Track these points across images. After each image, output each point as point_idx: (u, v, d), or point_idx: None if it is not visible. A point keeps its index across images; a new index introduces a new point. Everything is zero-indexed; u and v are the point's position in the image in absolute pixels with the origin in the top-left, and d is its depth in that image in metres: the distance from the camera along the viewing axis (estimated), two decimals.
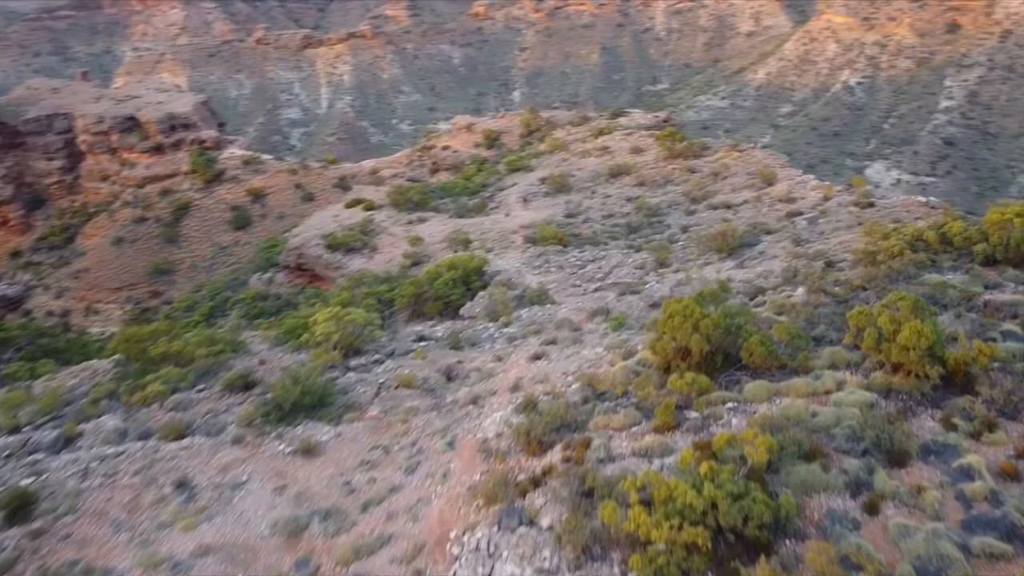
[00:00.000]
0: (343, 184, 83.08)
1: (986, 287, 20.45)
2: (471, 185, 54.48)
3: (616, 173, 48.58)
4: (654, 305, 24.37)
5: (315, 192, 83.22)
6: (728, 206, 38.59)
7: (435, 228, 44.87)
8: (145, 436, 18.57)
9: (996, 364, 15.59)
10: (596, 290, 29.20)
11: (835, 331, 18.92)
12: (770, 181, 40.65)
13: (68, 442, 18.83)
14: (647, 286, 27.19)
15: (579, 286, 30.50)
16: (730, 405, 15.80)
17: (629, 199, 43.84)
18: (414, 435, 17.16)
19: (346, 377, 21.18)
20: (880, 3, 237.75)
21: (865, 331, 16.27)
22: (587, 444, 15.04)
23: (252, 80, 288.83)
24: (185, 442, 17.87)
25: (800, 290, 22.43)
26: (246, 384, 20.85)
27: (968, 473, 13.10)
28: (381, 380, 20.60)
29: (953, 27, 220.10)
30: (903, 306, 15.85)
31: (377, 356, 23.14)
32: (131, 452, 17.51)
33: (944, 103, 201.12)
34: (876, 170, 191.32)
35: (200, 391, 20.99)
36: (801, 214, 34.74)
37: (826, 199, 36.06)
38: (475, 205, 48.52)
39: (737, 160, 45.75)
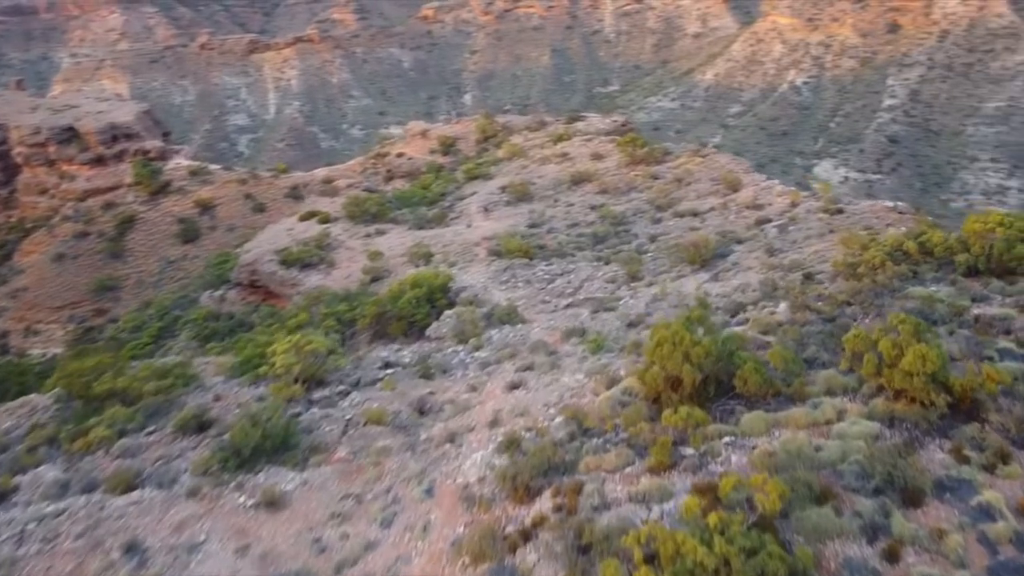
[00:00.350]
0: (295, 194, 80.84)
1: (973, 300, 19.95)
2: (429, 194, 53.07)
3: (578, 180, 47.68)
4: (631, 324, 23.41)
5: (266, 202, 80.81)
6: (695, 214, 37.93)
7: (394, 241, 43.40)
8: (89, 489, 16.88)
9: (999, 387, 14.96)
10: (567, 306, 28.14)
11: (826, 352, 18.17)
12: (735, 187, 40.14)
13: (2, 498, 17.06)
14: (621, 302, 26.22)
15: (549, 302, 29.42)
16: (727, 439, 14.84)
17: (593, 207, 42.95)
18: (388, 480, 15.83)
19: (309, 413, 19.72)
20: (823, 4, 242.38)
21: (864, 356, 15.51)
22: (579, 489, 13.94)
23: (197, 86, 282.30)
24: (135, 495, 16.24)
25: (782, 306, 21.67)
26: (200, 424, 19.25)
27: (988, 512, 12.29)
28: (348, 416, 19.20)
29: (894, 27, 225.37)
30: (904, 329, 15.09)
31: (342, 387, 21.71)
32: (73, 510, 15.82)
33: (887, 101, 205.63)
34: (824, 168, 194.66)
35: (150, 433, 19.32)
36: (770, 221, 34.20)
37: (793, 205, 35.62)
38: (435, 215, 47.16)
39: (700, 166, 45.22)
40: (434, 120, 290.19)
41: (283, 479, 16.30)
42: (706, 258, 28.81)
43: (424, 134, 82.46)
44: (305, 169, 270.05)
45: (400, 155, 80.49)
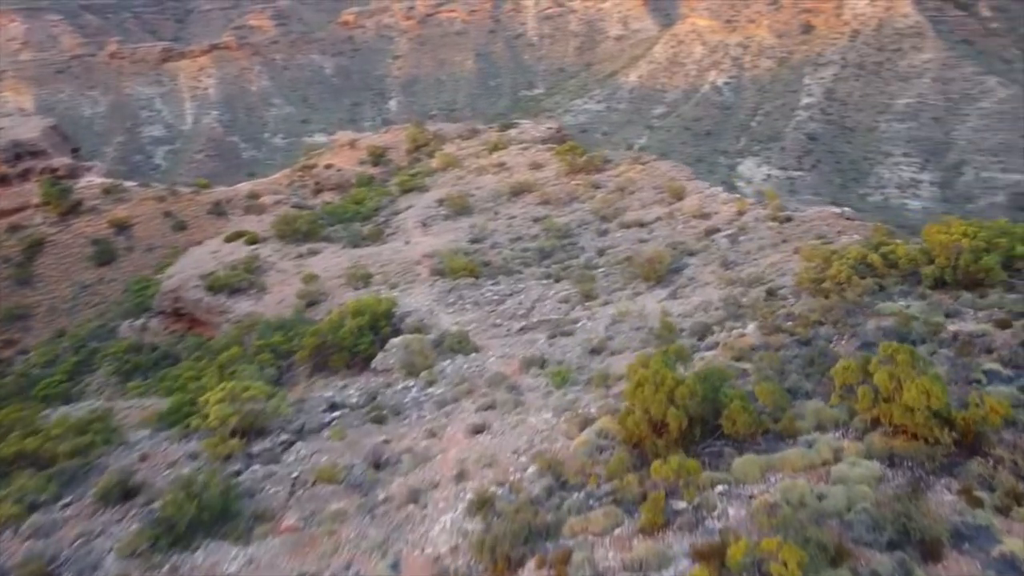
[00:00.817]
0: (218, 210, 77.09)
1: (947, 315, 19.36)
2: (363, 209, 50.88)
3: (518, 191, 46.35)
4: (594, 351, 22.11)
5: (187, 220, 76.83)
6: (641, 224, 37.03)
7: (329, 261, 41.21)
8: None
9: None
10: (521, 330, 26.70)
11: (808, 380, 17.21)
12: (679, 196, 39.43)
13: None
14: (579, 325, 24.93)
15: (501, 326, 27.94)
16: (721, 488, 13.61)
17: (536, 220, 41.68)
18: (346, 553, 14.05)
19: (251, 471, 17.71)
20: (740, 6, 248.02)
21: (857, 389, 14.54)
22: (566, 558, 12.46)
23: (107, 97, 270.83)
24: None
25: (751, 327, 20.70)
26: (125, 492, 17.04)
27: (1013, 564, 11.33)
28: (295, 473, 17.28)
29: (807, 28, 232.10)
30: (900, 359, 14.17)
31: (285, 436, 19.74)
32: None
33: (804, 100, 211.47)
34: (748, 167, 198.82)
35: (66, 506, 17.01)
36: (719, 231, 33.50)
37: (740, 213, 35.05)
38: (370, 232, 45.12)
39: (641, 174, 44.45)
40: (359, 127, 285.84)
41: (225, 557, 14.34)
42: (661, 274, 27.80)
43: (352, 144, 79.90)
44: (227, 180, 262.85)
45: (328, 167, 77.75)
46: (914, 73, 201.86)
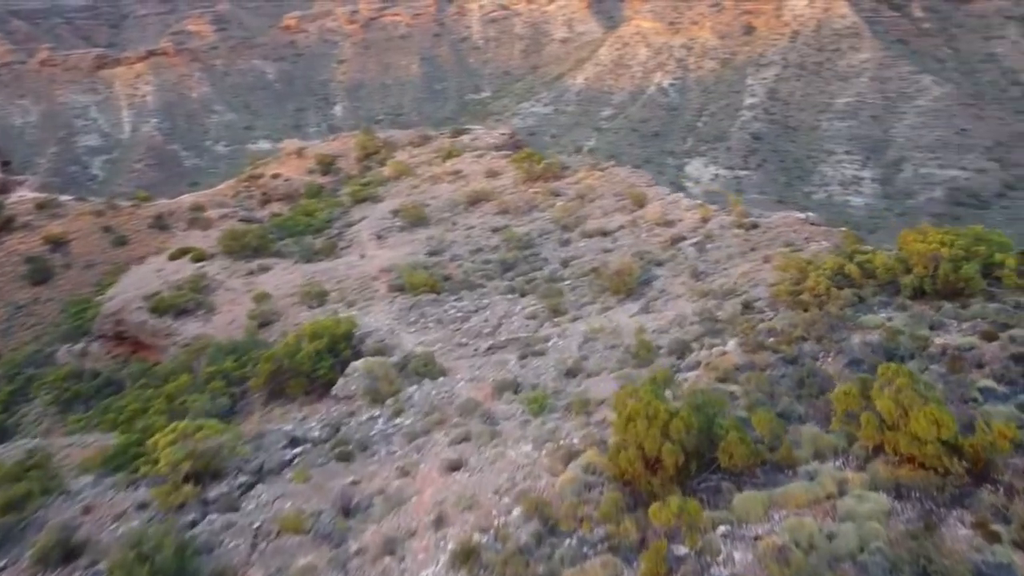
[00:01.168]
0: (161, 223, 74.16)
1: (931, 328, 18.92)
2: (314, 222, 49.12)
3: (475, 200, 45.22)
4: (569, 373, 21.12)
5: (128, 235, 73.70)
6: (604, 233, 36.25)
7: (281, 278, 39.52)
8: None
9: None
10: (490, 350, 25.61)
11: (799, 403, 16.53)
12: (641, 203, 38.77)
13: None
14: (550, 343, 23.93)
15: (467, 345, 26.80)
16: (723, 529, 12.70)
17: (495, 230, 40.61)
18: None
19: (207, 522, 16.24)
20: (683, 8, 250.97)
21: (859, 416, 13.84)
22: None
23: (39, 106, 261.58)
24: None
25: (731, 343, 19.97)
26: (67, 552, 15.45)
27: None
28: (256, 523, 15.88)
29: (749, 29, 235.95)
30: (901, 383, 13.49)
31: (243, 478, 18.29)
32: None
33: (748, 100, 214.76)
34: (695, 167, 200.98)
35: (1, 571, 15.36)
36: (685, 239, 32.89)
37: (705, 221, 34.50)
38: (323, 246, 43.50)
39: (601, 180, 43.74)
40: (304, 133, 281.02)
41: None
42: (631, 287, 26.98)
43: (300, 153, 77.78)
44: (169, 190, 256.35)
45: (275, 176, 75.52)
46: (852, 72, 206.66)
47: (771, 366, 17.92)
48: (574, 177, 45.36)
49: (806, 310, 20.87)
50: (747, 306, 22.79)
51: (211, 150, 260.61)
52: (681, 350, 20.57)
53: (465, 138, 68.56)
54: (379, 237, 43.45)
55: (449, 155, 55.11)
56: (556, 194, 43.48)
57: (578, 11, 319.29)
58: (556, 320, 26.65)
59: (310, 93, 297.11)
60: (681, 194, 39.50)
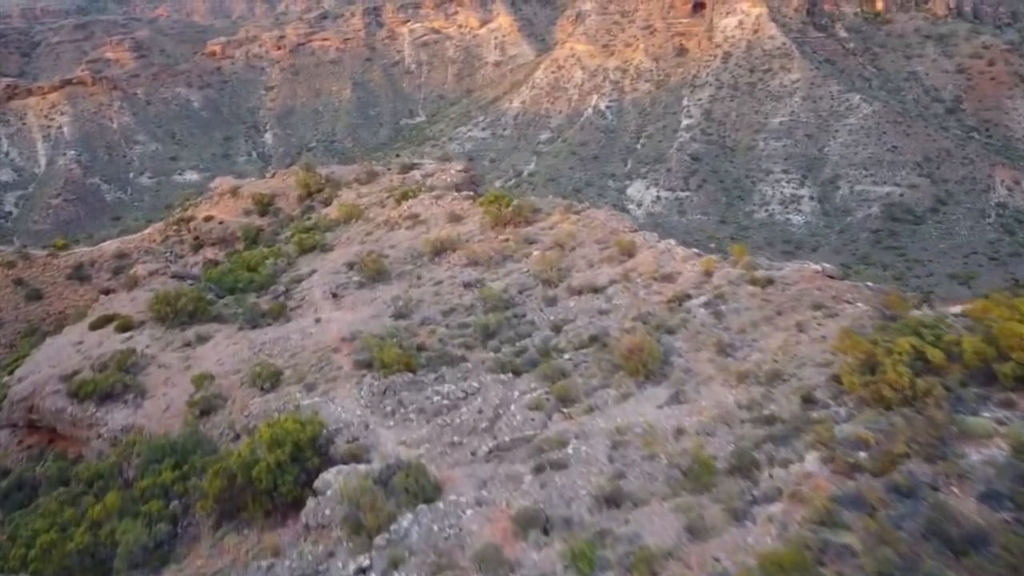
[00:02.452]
0: (81, 274, 67.45)
1: None
2: (257, 276, 43.82)
3: (439, 250, 40.81)
4: (609, 500, 16.93)
5: (43, 288, 66.80)
6: (595, 290, 32.29)
7: (224, 350, 34.36)
8: None
9: None
10: (492, 455, 21.26)
11: (941, 560, 12.80)
12: (630, 252, 35.01)
13: None
14: (569, 448, 19.71)
15: (461, 446, 22.39)
16: None
17: (467, 285, 36.27)
18: None
19: None
20: (616, 31, 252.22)
21: None
22: None
23: None
24: None
25: (810, 458, 16.13)
26: None
27: None
28: None
29: (681, 51, 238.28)
30: None
31: None
32: None
33: (685, 121, 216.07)
34: (636, 188, 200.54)
35: None
36: (691, 298, 29.17)
37: (708, 274, 30.88)
38: (271, 307, 38.36)
39: (578, 225, 39.89)
40: (233, 162, 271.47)
41: None
42: (652, 368, 23.03)
43: (234, 192, 71.97)
44: (90, 225, 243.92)
45: (208, 219, 69.57)
46: (785, 92, 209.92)
47: (882, 501, 14.14)
48: (547, 221, 41.40)
49: (889, 407, 17.30)
50: (807, 399, 19.03)
51: (135, 182, 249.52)
52: (746, 466, 16.61)
53: (416, 174, 64.06)
54: (334, 296, 38.62)
55: (404, 196, 50.55)
56: (530, 241, 39.42)
57: (510, 34, 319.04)
58: (566, 411, 22.46)
59: (238, 121, 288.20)
60: (672, 241, 35.86)
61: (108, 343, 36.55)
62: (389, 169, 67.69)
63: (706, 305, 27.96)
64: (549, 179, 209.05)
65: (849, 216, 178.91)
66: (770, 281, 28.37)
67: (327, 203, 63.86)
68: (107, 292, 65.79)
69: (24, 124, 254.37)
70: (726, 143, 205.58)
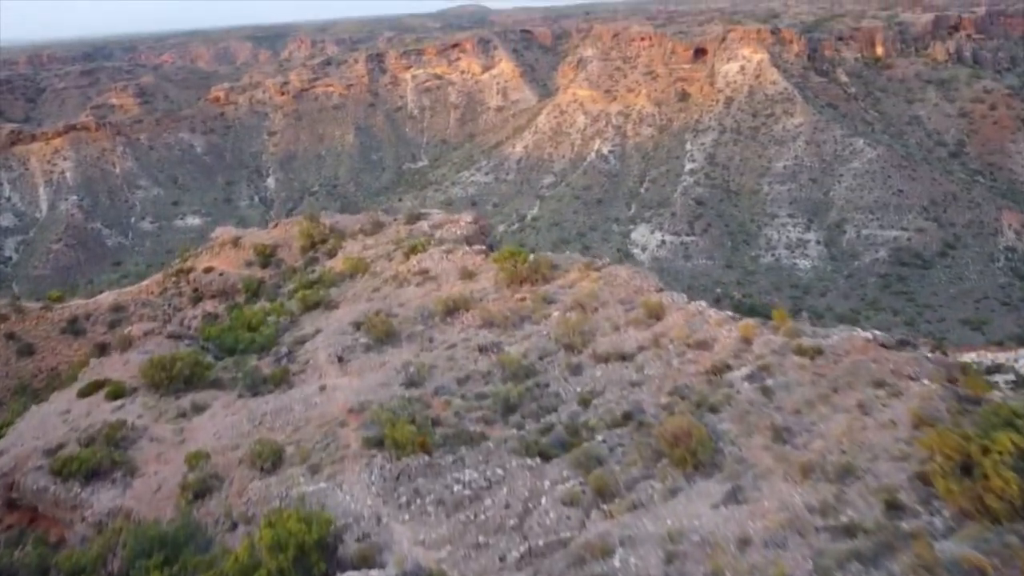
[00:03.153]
0: (75, 328, 65.12)
1: None
2: (258, 338, 41.45)
3: (451, 310, 38.49)
4: None
5: (35, 343, 64.40)
6: (623, 357, 29.86)
7: (222, 422, 31.80)
8: None
9: None
10: (524, 561, 18.63)
11: None
12: (657, 314, 32.67)
13: None
14: (615, 559, 17.11)
15: (486, 547, 19.76)
16: None
17: (483, 349, 33.86)
18: None
19: None
20: (617, 76, 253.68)
21: None
22: None
23: None
24: None
25: None
26: None
27: None
28: None
29: (684, 96, 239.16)
30: None
31: None
32: None
33: (688, 165, 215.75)
34: (641, 233, 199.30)
35: None
36: (730, 369, 26.74)
37: (747, 341, 28.50)
38: (272, 372, 35.90)
39: (599, 283, 37.63)
40: (235, 207, 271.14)
41: None
42: (702, 458, 20.51)
43: (235, 242, 69.96)
44: (90, 270, 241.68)
45: (208, 270, 67.47)
46: (788, 136, 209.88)
47: None
48: (566, 279, 39.16)
49: (996, 520, 14.84)
50: (892, 504, 16.49)
51: (136, 227, 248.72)
52: None
53: (424, 224, 62.13)
54: (340, 359, 36.18)
55: (413, 250, 48.41)
56: (549, 301, 37.13)
57: (512, 80, 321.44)
58: (606, 507, 19.88)
59: (241, 166, 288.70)
60: (703, 303, 33.54)
61: (97, 412, 34.01)
62: (395, 219, 65.78)
63: (750, 378, 25.52)
64: (553, 223, 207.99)
65: (856, 260, 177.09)
66: (819, 351, 25.97)
67: (331, 254, 61.81)
68: (102, 348, 63.41)
69: (27, 169, 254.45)
70: (730, 187, 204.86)
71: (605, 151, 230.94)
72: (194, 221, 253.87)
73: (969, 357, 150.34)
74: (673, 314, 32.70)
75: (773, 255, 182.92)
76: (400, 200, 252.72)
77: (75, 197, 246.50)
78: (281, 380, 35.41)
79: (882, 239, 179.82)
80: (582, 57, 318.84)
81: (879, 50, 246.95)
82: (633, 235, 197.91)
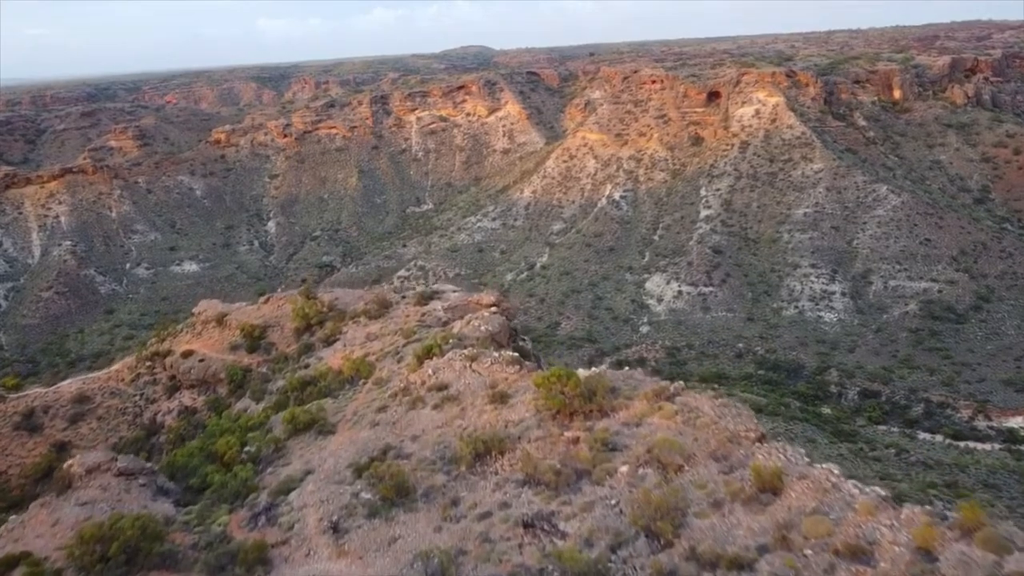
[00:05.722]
0: (31, 423, 56.19)
1: None
2: (231, 482, 32.33)
3: (481, 452, 29.49)
4: None
5: None
6: (739, 566, 20.77)
7: None
8: None
9: None
10: None
11: None
12: (771, 485, 23.63)
13: None
14: None
15: None
16: None
17: (528, 526, 24.80)
18: None
19: None
20: (628, 120, 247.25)
21: None
22: None
23: None
24: None
25: None
26: None
27: None
28: None
29: (697, 140, 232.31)
30: None
31: None
32: None
33: (704, 212, 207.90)
34: (655, 283, 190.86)
35: None
36: None
37: (926, 551, 19.43)
38: (243, 551, 26.69)
39: (675, 420, 28.63)
40: (234, 251, 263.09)
41: None
42: None
43: (221, 320, 61.28)
44: (81, 319, 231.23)
45: (188, 354, 58.71)
46: (808, 183, 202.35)
47: None
48: (630, 410, 30.15)
49: None
50: None
51: (131, 274, 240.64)
52: None
53: (437, 306, 53.41)
54: (335, 528, 27.08)
55: (427, 352, 39.50)
56: (611, 447, 28.11)
57: (518, 122, 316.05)
58: None
59: (242, 209, 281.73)
60: (834, 468, 24.44)
61: None
62: (403, 297, 57.11)
63: None
64: (563, 272, 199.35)
65: (885, 314, 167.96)
66: None
67: (329, 341, 53.05)
68: (60, 447, 54.50)
69: (20, 214, 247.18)
70: (748, 235, 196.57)
71: (617, 196, 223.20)
72: (191, 267, 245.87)
73: (1016, 422, 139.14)
74: (795, 485, 23.64)
75: (796, 307, 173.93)
76: (404, 246, 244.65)
77: (69, 242, 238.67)
78: (256, 561, 26.23)
79: (911, 291, 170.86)
80: (590, 99, 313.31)
81: (896, 93, 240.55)
82: (648, 285, 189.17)
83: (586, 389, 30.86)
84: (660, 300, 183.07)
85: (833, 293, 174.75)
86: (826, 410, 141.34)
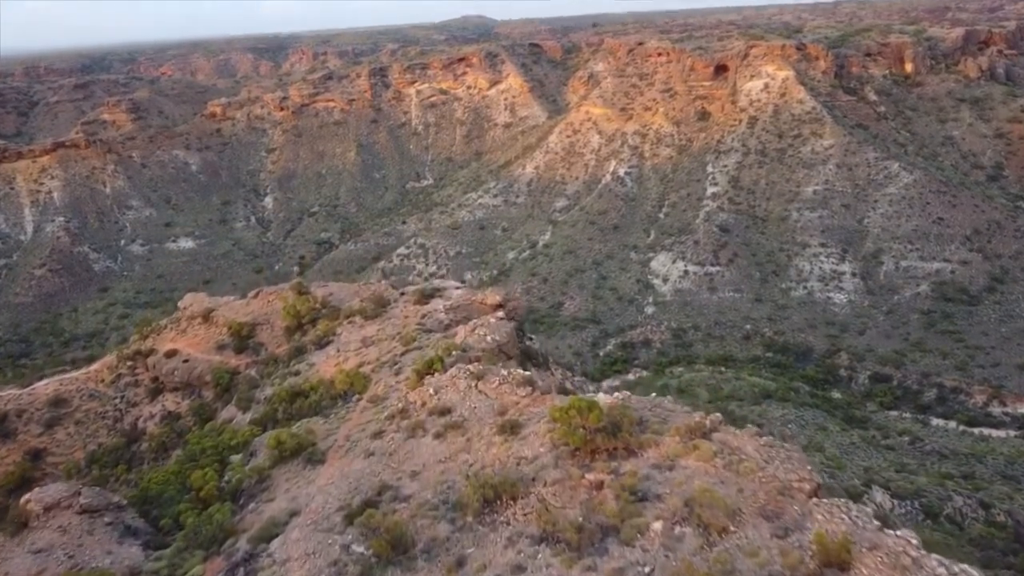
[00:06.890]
0: (4, 429, 52.53)
1: None
2: (205, 526, 28.55)
3: (490, 498, 25.71)
4: None
5: None
6: None
7: None
8: None
9: None
10: None
11: None
12: (841, 560, 19.81)
13: None
14: None
15: None
16: None
17: None
18: None
19: None
20: (634, 93, 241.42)
21: None
22: None
23: None
24: None
25: None
26: None
27: None
28: None
29: (704, 115, 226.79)
30: None
31: None
32: None
33: (711, 189, 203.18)
34: (661, 262, 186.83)
35: None
36: None
37: None
38: None
39: (713, 464, 24.82)
40: (231, 227, 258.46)
41: None
42: None
43: (207, 317, 57.41)
44: (75, 297, 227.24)
45: (171, 353, 54.91)
46: (818, 160, 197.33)
47: None
48: (660, 449, 26.32)
49: None
50: None
51: (125, 250, 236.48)
52: None
53: (439, 304, 49.48)
54: None
55: (428, 366, 35.65)
56: (640, 495, 24.32)
57: (520, 95, 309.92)
58: None
59: (238, 185, 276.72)
60: (910, 536, 20.58)
61: None
62: (402, 294, 53.21)
63: None
64: (567, 251, 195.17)
65: (896, 295, 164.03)
66: None
67: (321, 343, 49.17)
68: (35, 455, 50.90)
69: (12, 189, 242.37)
70: (756, 213, 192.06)
71: (621, 173, 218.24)
72: (187, 244, 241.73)
73: None
74: (865, 559, 19.84)
75: (805, 288, 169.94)
76: (404, 223, 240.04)
77: (62, 218, 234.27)
78: None
79: (923, 272, 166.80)
80: (593, 72, 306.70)
81: (908, 67, 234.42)
82: (653, 264, 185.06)
83: (609, 423, 26.99)
84: (666, 280, 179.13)
85: (843, 273, 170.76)
86: (836, 395, 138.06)
